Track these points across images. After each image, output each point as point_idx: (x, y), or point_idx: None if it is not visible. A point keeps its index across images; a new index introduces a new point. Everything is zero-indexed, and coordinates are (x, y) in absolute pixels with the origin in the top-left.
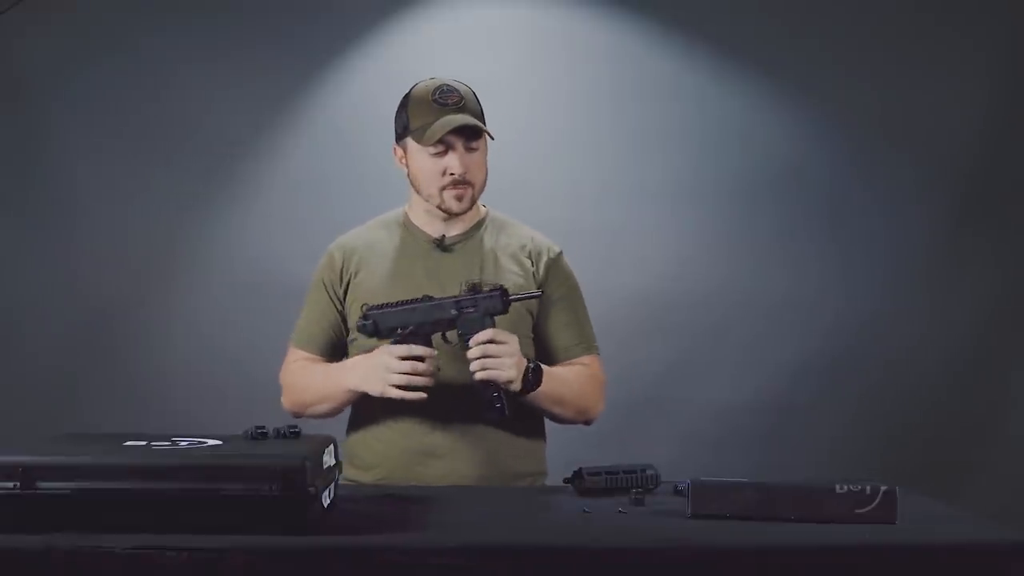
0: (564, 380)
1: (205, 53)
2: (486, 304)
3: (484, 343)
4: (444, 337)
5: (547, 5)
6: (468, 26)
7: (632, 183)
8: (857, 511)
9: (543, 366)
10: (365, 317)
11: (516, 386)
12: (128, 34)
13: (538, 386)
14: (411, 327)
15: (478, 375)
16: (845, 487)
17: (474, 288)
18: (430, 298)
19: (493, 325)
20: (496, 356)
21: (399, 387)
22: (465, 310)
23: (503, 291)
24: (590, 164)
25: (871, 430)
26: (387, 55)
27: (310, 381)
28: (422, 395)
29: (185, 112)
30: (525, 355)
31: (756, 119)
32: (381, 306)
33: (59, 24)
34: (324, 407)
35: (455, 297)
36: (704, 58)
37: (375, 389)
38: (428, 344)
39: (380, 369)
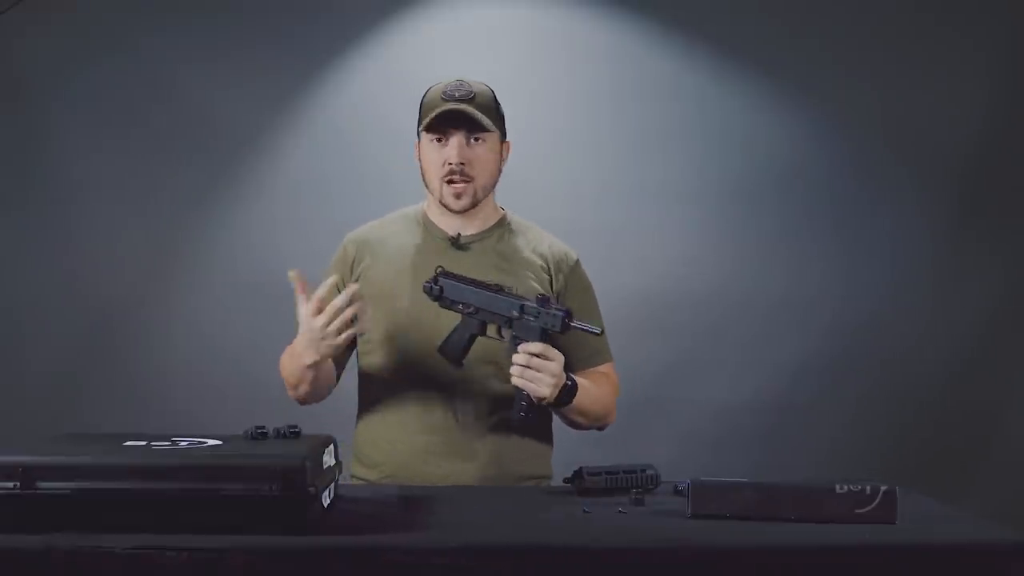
0: (588, 392)
1: (205, 53)
2: (547, 319)
3: (532, 355)
4: (499, 332)
5: (547, 5)
6: (468, 26)
7: (632, 183)
8: (857, 511)
9: (576, 380)
10: (435, 280)
11: (548, 400)
12: (128, 34)
13: (570, 402)
14: (472, 308)
15: (515, 380)
16: (845, 487)
17: (543, 299)
18: (501, 288)
19: (547, 339)
20: (538, 371)
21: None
22: (526, 316)
23: (567, 314)
24: (590, 164)
25: (871, 430)
26: (387, 55)
27: (288, 363)
28: (356, 329)
29: (185, 112)
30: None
31: (756, 119)
32: (454, 275)
33: (59, 24)
34: (303, 389)
35: (523, 299)
36: (704, 58)
37: (317, 355)
38: (483, 331)
39: (307, 337)
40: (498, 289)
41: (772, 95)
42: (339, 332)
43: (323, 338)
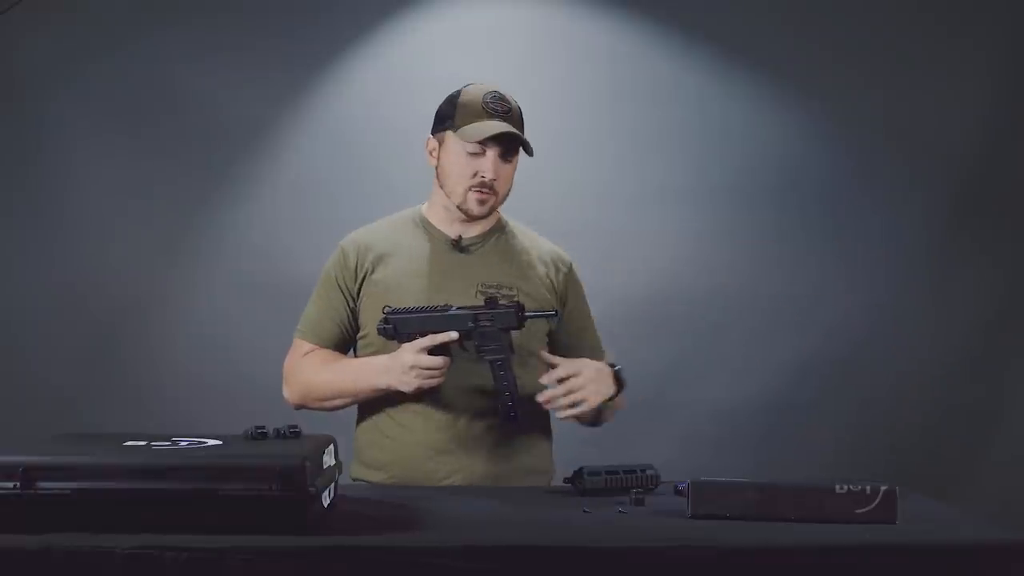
0: None
1: (205, 53)
2: (502, 319)
3: (560, 381)
4: (461, 345)
5: (547, 5)
6: (468, 26)
7: (632, 183)
8: (857, 511)
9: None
10: (386, 321)
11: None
12: (128, 34)
13: (623, 385)
14: (429, 334)
15: (565, 414)
16: (845, 487)
17: (491, 301)
18: (448, 307)
19: (510, 339)
20: (575, 390)
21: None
22: (481, 323)
23: (519, 307)
24: (590, 164)
25: (871, 430)
26: (387, 55)
27: (329, 377)
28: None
29: (185, 112)
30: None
31: (756, 119)
32: (401, 311)
33: (59, 23)
34: (340, 402)
35: (473, 309)
36: (704, 58)
37: (409, 388)
38: (446, 350)
39: (407, 369)
40: (445, 308)
41: (772, 95)
42: (430, 376)
43: (429, 377)
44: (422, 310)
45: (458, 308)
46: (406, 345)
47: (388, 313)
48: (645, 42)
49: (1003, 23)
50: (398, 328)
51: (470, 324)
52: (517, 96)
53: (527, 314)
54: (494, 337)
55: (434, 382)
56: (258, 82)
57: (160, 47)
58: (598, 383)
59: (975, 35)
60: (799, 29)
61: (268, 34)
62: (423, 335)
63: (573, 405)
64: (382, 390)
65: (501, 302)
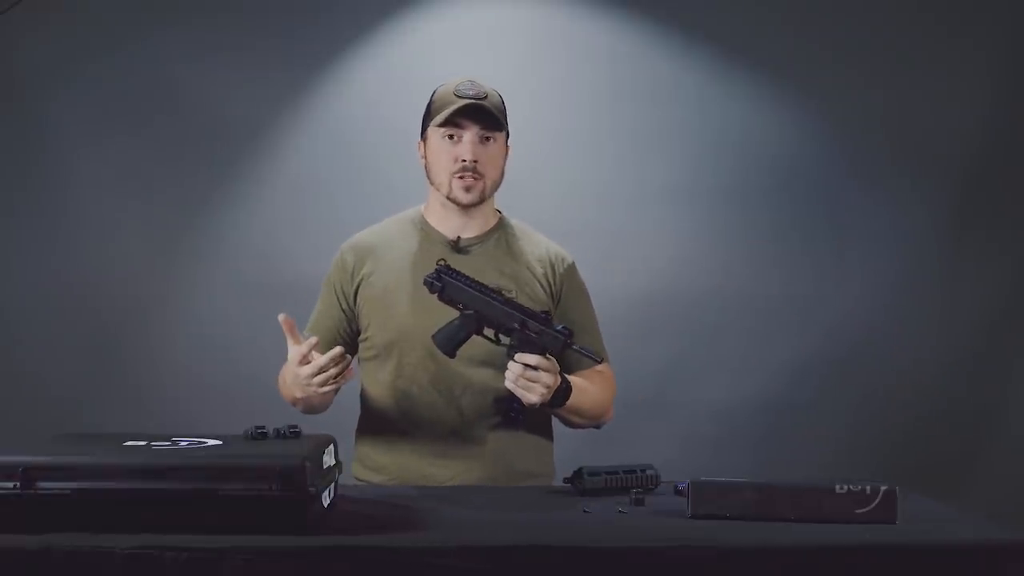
0: (585, 391)
1: (205, 53)
2: (548, 340)
3: (527, 366)
4: (496, 336)
5: (547, 5)
6: (468, 26)
7: (632, 183)
8: (857, 511)
9: (572, 382)
10: (438, 277)
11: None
12: (128, 34)
13: (564, 404)
14: (472, 311)
15: (508, 384)
16: (845, 487)
17: (545, 317)
18: (502, 295)
19: (545, 354)
20: (532, 381)
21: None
22: (527, 331)
23: (569, 335)
24: (590, 164)
25: (871, 430)
26: (387, 55)
27: (283, 384)
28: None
29: (185, 112)
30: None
31: (756, 119)
32: (459, 275)
33: (59, 23)
34: (297, 408)
35: (526, 313)
36: (704, 58)
37: (303, 394)
38: (480, 331)
39: (297, 380)
40: (501, 298)
41: (772, 95)
42: (322, 384)
43: (308, 385)
44: (478, 285)
45: (507, 301)
46: (290, 354)
47: (442, 270)
48: (645, 42)
49: (1003, 23)
50: (446, 289)
51: (516, 325)
52: (517, 96)
53: (574, 347)
54: (530, 345)
55: (335, 384)
56: (258, 82)
57: (160, 47)
58: (550, 391)
59: (975, 35)
60: (799, 29)
61: (268, 34)
62: (465, 308)
63: (515, 384)
64: (300, 398)
65: (556, 324)
